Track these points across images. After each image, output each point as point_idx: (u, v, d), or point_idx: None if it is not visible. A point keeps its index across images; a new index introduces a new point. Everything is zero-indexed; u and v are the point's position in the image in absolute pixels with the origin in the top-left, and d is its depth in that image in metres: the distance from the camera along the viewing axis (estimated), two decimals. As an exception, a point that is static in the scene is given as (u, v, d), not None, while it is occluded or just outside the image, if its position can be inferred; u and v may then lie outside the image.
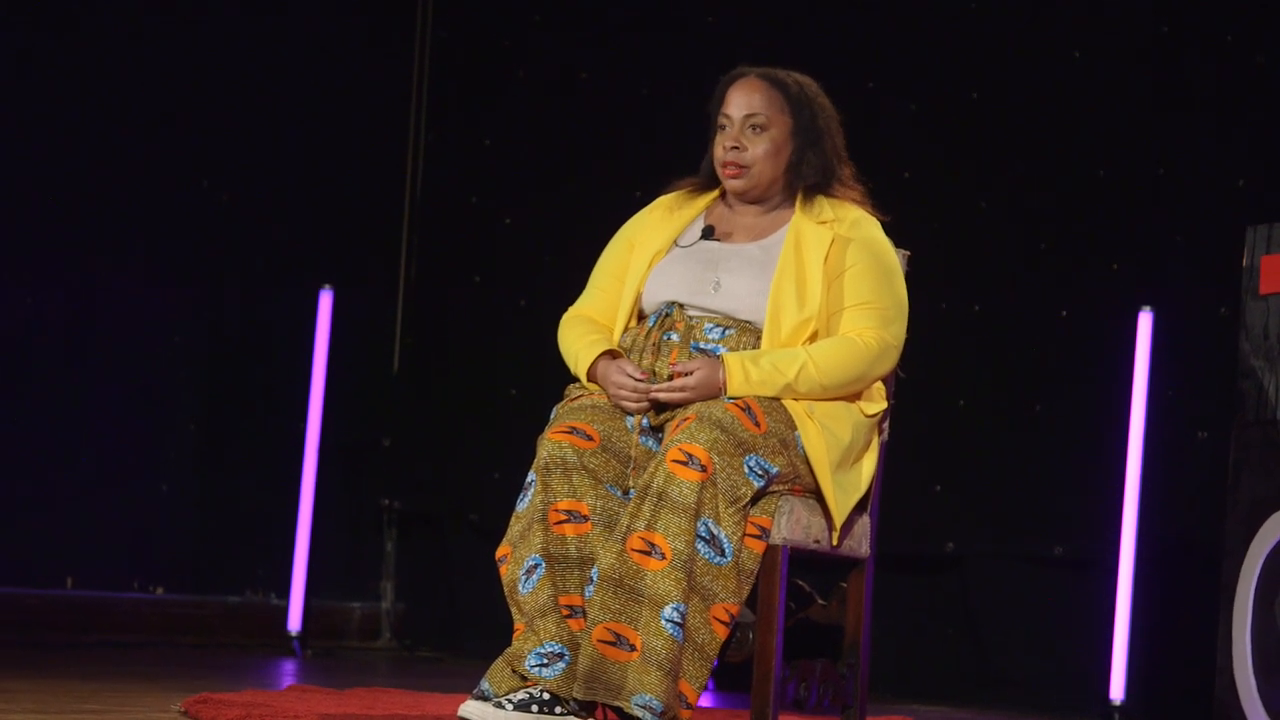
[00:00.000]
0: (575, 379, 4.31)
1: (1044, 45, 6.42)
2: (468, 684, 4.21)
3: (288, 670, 6.36)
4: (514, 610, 4.05)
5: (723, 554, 4.01)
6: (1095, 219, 6.28)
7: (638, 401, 4.13)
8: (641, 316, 4.31)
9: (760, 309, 4.16)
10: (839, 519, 4.15)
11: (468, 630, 7.26)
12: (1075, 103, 6.32)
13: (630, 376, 4.13)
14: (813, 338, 4.16)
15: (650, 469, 4.03)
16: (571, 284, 4.52)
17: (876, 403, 4.26)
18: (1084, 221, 6.30)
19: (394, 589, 7.56)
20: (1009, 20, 6.50)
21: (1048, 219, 6.36)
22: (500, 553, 4.10)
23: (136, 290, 7.13)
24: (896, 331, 4.22)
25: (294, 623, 6.98)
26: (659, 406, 4.15)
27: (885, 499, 4.43)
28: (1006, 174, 6.43)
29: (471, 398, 7.38)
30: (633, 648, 3.95)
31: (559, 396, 4.31)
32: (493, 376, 7.29)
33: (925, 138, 6.56)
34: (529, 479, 4.10)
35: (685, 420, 4.06)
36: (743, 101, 4.28)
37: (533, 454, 4.15)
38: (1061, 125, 6.34)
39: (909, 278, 4.39)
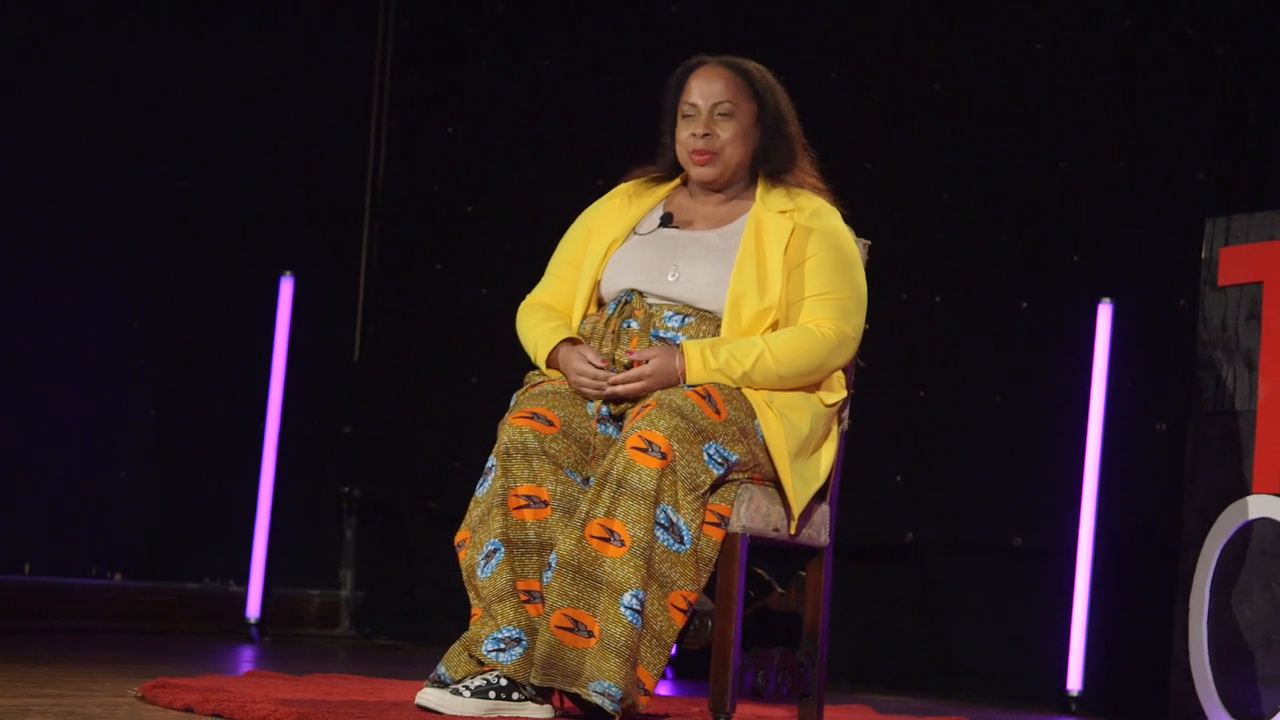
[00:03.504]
0: (535, 367, 4.30)
1: (1007, 36, 6.43)
2: (426, 671, 4.20)
3: (246, 656, 6.34)
4: (472, 595, 4.04)
5: (681, 541, 4.00)
6: (1056, 211, 6.30)
7: (597, 390, 4.13)
8: (600, 304, 4.31)
9: (719, 297, 4.16)
10: (798, 508, 4.15)
11: (427, 618, 7.26)
12: (1037, 95, 6.33)
13: (590, 363, 4.13)
14: (773, 327, 4.16)
15: (610, 455, 4.02)
16: (534, 271, 4.51)
17: (836, 392, 4.26)
18: (1045, 213, 6.32)
19: (353, 577, 7.55)
20: (972, 11, 6.51)
21: (1009, 211, 6.37)
22: (459, 538, 4.09)
23: (96, 276, 7.11)
24: (855, 323, 4.22)
25: (253, 609, 6.97)
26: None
27: (845, 488, 4.44)
28: (968, 165, 6.44)
29: (432, 385, 7.37)
30: (591, 634, 3.94)
31: (520, 384, 4.31)
32: (454, 364, 7.28)
33: (888, 129, 6.57)
34: (489, 464, 4.09)
35: (646, 407, 4.05)
36: (707, 89, 4.28)
37: (493, 440, 4.15)
38: (1023, 117, 6.35)
39: (869, 267, 4.38)
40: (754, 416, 4.09)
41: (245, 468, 7.07)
